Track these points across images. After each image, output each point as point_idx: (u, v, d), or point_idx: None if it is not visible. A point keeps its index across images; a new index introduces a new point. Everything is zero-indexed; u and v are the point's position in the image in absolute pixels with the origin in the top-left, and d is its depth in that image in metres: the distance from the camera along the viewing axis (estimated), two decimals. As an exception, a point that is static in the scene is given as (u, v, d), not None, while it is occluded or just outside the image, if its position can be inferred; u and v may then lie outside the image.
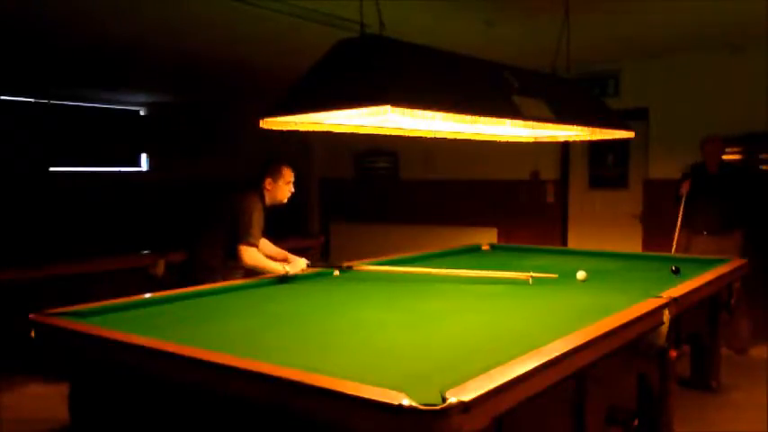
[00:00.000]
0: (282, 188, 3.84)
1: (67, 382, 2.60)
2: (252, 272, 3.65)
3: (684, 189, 5.62)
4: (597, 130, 3.73)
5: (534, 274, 3.53)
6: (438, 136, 3.75)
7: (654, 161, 6.66)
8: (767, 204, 5.73)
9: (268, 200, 3.82)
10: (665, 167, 6.58)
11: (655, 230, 6.69)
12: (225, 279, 3.59)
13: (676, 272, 3.81)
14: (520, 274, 3.57)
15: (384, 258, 4.42)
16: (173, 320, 2.71)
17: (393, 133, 3.47)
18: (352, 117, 2.62)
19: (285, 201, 3.90)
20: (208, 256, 3.70)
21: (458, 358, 2.10)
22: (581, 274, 3.63)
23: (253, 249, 3.60)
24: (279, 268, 3.60)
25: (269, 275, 3.57)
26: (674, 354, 3.08)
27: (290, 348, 2.27)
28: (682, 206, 5.65)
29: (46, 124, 9.58)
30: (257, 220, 3.65)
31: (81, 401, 2.56)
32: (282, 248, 3.95)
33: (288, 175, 3.85)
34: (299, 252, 4.06)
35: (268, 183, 3.80)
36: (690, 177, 5.65)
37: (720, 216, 5.52)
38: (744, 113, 6.13)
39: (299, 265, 3.69)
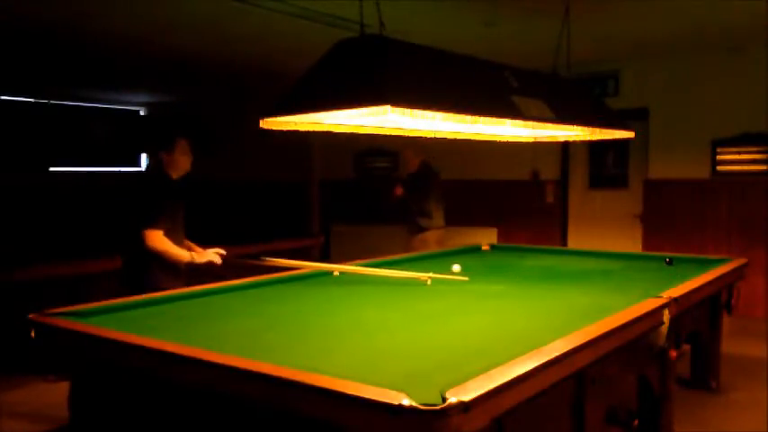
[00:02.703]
0: (180, 160, 3.66)
1: (67, 382, 2.60)
2: (254, 270, 3.61)
3: (398, 192, 6.05)
4: (597, 130, 3.73)
5: (434, 275, 3.45)
6: (438, 136, 3.75)
7: (654, 161, 6.66)
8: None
9: (173, 174, 3.67)
10: (665, 167, 6.59)
11: (655, 230, 6.70)
12: (173, 274, 3.50)
13: (670, 263, 3.97)
14: (420, 274, 3.49)
15: (383, 258, 4.42)
16: (173, 320, 2.71)
17: (393, 133, 3.47)
18: (353, 117, 2.62)
19: (189, 169, 3.73)
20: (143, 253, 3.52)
21: (458, 358, 2.09)
22: (456, 268, 3.77)
23: (157, 233, 3.44)
24: (184, 254, 3.49)
25: (263, 277, 3.53)
26: (674, 354, 3.08)
27: (290, 348, 2.27)
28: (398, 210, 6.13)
29: (46, 124, 9.59)
30: (157, 202, 3.50)
31: (81, 401, 2.56)
32: (282, 248, 3.93)
33: (183, 146, 3.67)
34: (299, 252, 4.05)
35: (165, 157, 3.63)
36: (400, 183, 6.13)
37: (415, 217, 6.06)
38: (743, 113, 6.14)
39: (207, 255, 3.56)
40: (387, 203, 6.24)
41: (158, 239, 3.45)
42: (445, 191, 6.28)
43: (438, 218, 6.08)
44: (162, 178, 3.63)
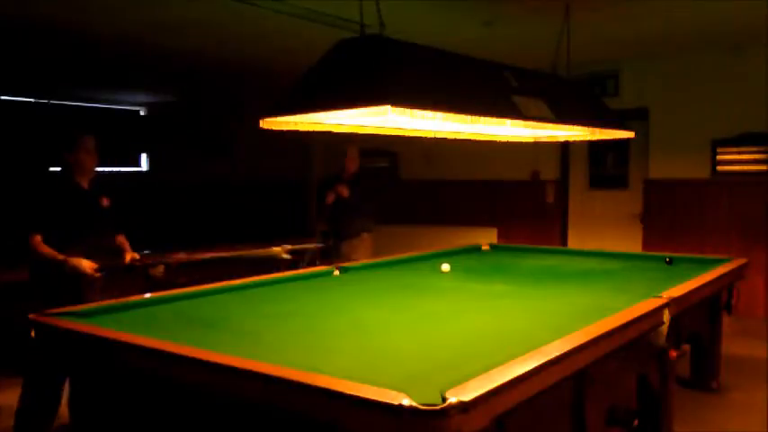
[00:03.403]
0: (84, 158, 3.73)
1: (68, 382, 2.60)
2: (254, 270, 3.62)
3: (344, 193, 5.56)
4: (597, 130, 3.73)
5: (290, 247, 3.41)
6: (438, 136, 3.75)
7: (654, 161, 6.66)
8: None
9: (78, 175, 3.75)
10: (665, 167, 6.59)
11: (655, 230, 6.70)
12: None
13: (670, 263, 4.02)
14: (276, 248, 3.46)
15: (382, 259, 4.42)
16: (173, 320, 2.71)
17: (393, 133, 3.47)
18: (353, 117, 2.62)
19: (95, 168, 3.81)
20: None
21: (458, 358, 2.09)
22: (445, 267, 3.85)
23: (33, 237, 3.54)
24: (57, 257, 3.51)
25: (263, 277, 3.53)
26: (674, 354, 3.08)
27: (290, 348, 2.27)
28: (328, 214, 5.72)
29: (46, 124, 9.58)
30: (41, 205, 3.59)
31: (81, 401, 2.56)
32: (282, 248, 3.93)
33: (85, 143, 3.74)
34: (299, 252, 4.04)
35: (69, 157, 3.72)
36: (341, 182, 5.65)
37: (357, 219, 5.67)
38: (743, 113, 6.14)
39: (74, 261, 3.51)
40: (324, 205, 5.70)
41: (35, 243, 3.53)
42: (443, 191, 6.25)
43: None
44: (58, 181, 3.72)
